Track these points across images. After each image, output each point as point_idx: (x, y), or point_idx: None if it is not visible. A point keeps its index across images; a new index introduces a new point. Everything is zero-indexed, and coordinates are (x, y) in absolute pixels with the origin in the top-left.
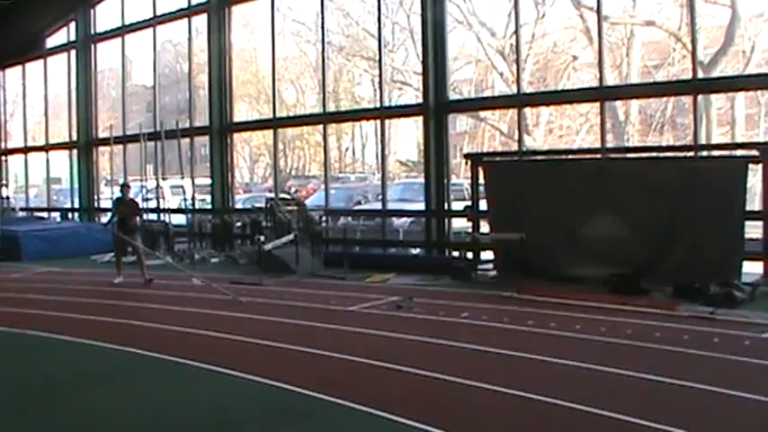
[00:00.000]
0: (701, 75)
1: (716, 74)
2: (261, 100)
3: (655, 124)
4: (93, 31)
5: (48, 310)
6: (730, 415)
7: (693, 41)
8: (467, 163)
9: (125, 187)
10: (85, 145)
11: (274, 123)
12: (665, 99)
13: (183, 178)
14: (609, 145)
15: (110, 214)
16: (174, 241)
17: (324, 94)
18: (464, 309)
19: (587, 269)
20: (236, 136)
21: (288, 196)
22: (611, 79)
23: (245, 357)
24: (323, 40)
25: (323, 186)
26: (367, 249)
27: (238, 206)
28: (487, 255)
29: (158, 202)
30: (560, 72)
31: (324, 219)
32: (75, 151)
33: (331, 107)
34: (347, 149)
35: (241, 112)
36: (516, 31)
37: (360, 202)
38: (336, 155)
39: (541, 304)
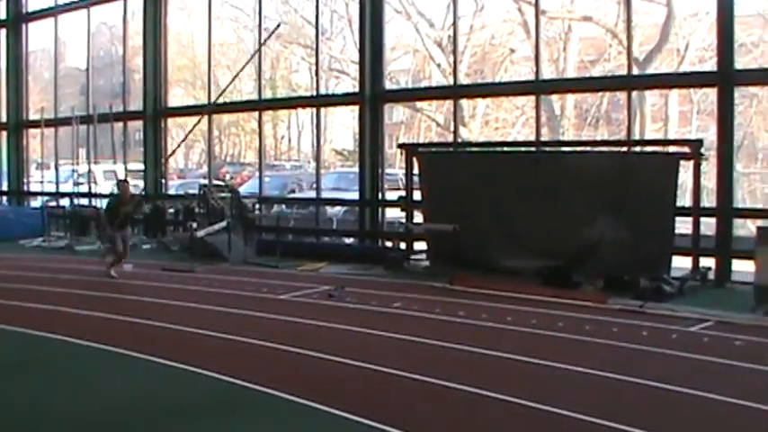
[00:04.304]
0: (636, 71)
1: (651, 71)
2: (197, 85)
3: (590, 119)
4: (24, 10)
5: None
6: (657, 407)
7: (629, 38)
8: (402, 153)
9: (123, 183)
10: (15, 127)
11: (209, 109)
12: (600, 94)
13: (115, 163)
14: (544, 138)
15: (106, 216)
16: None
17: (260, 81)
18: (396, 299)
19: (520, 261)
20: (170, 121)
21: (222, 183)
22: (548, 73)
23: (170, 345)
24: (260, 26)
25: (257, 174)
26: (300, 238)
27: (171, 192)
28: (421, 245)
29: (90, 187)
30: (498, 65)
31: (257, 206)
32: (4, 133)
33: (267, 94)
34: (283, 137)
35: (176, 97)
36: (454, 23)
37: (294, 191)
38: (272, 142)
39: (474, 295)
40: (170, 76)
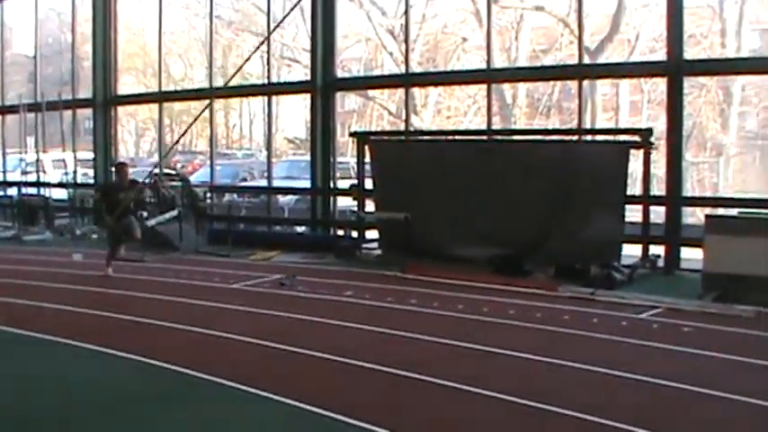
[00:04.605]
0: (587, 61)
1: (602, 60)
2: (148, 73)
3: (541, 108)
4: None
5: None
6: (608, 393)
7: (580, 28)
8: (354, 141)
9: (122, 167)
10: None
11: (160, 97)
12: (551, 83)
13: (64, 152)
14: (496, 127)
15: (101, 203)
16: (54, 216)
17: (211, 68)
18: (348, 287)
19: (472, 249)
20: (120, 109)
21: (173, 172)
22: (500, 62)
23: (118, 335)
24: (211, 14)
25: (209, 162)
26: (252, 227)
27: None
28: (373, 234)
29: (38, 176)
30: (450, 53)
31: (208, 195)
32: None
33: (219, 82)
34: (234, 126)
35: (127, 85)
36: (406, 11)
37: (245, 179)
38: (224, 131)
39: (425, 284)
40: (120, 64)
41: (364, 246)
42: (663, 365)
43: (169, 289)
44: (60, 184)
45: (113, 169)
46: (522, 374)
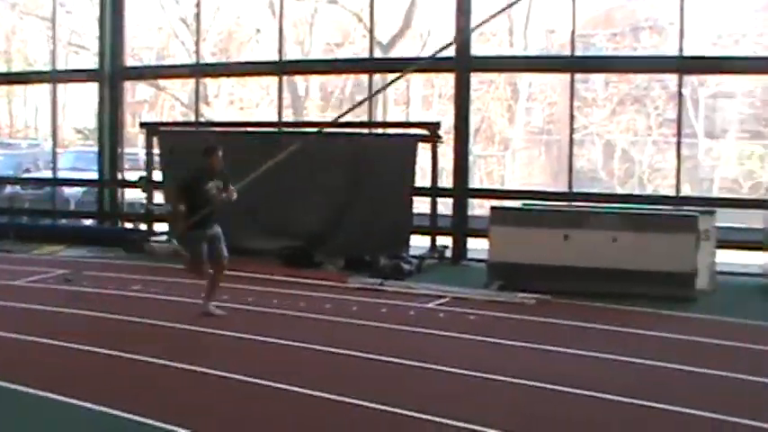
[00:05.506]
0: (379, 55)
1: (394, 55)
2: None
3: (334, 100)
4: None
5: None
6: (393, 381)
7: (372, 22)
8: (144, 132)
9: (212, 152)
10: None
11: None
12: (344, 77)
13: None
14: (288, 119)
15: (178, 199)
16: None
17: None
18: (135, 281)
19: (263, 242)
20: None
21: None
22: (295, 54)
23: None
24: None
25: None
26: (36, 220)
27: None
28: (162, 227)
29: None
30: (244, 44)
31: None
32: None
33: (2, 68)
34: (18, 114)
35: None
36: (199, 1)
37: (29, 170)
38: (7, 120)
39: None
40: None
41: (153, 239)
42: (447, 353)
43: None
44: None
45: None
46: (305, 365)
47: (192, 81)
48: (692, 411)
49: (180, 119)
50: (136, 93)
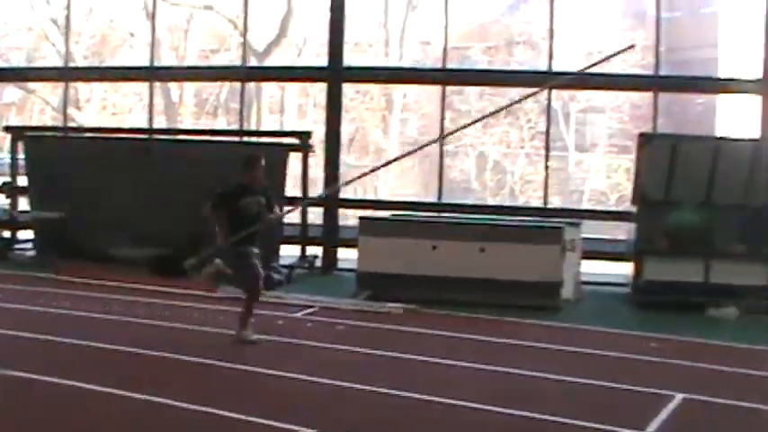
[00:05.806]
0: (254, 63)
1: (269, 63)
2: None
3: (209, 107)
4: None
5: None
6: (251, 390)
7: (245, 29)
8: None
9: (255, 162)
10: None
11: None
12: (219, 84)
13: None
14: (161, 126)
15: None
16: None
17: None
18: None
19: (132, 250)
20: None
21: None
22: (170, 60)
23: None
24: None
25: None
26: None
27: None
28: (27, 234)
29: None
30: (118, 48)
31: None
32: None
33: None
34: None
35: None
36: (69, 2)
37: None
38: None
39: (81, 286)
40: None
41: (17, 247)
42: (310, 362)
43: None
44: None
45: (245, 163)
46: (163, 375)
47: (63, 85)
48: (558, 419)
49: (50, 123)
50: (3, 95)
